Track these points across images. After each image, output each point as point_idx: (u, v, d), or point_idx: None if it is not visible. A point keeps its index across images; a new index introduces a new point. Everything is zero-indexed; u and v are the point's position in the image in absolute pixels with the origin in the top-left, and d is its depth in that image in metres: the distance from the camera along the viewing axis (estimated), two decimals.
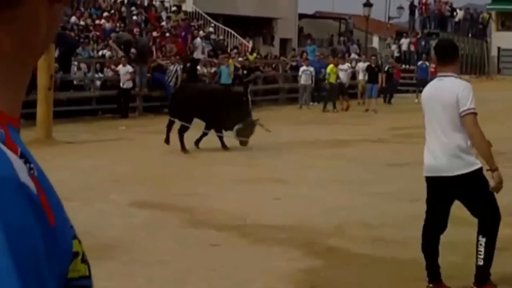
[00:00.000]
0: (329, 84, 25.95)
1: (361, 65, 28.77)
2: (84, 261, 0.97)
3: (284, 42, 37.08)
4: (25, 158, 0.87)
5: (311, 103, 26.89)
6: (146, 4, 30.04)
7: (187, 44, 26.30)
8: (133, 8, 28.08)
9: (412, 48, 40.04)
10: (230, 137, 14.75)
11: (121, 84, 21.35)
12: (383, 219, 8.52)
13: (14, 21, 0.91)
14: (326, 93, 26.24)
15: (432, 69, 32.67)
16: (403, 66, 36.48)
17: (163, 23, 28.05)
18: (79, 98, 20.70)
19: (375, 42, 45.22)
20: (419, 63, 32.14)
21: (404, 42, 40.57)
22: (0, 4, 0.89)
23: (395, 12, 47.15)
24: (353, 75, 29.18)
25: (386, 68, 29.20)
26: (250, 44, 30.97)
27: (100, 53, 23.00)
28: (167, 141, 14.35)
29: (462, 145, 5.66)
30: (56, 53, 18.58)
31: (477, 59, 47.42)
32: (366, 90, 26.84)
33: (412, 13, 45.88)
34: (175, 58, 23.75)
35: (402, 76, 33.19)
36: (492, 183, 5.61)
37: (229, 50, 28.74)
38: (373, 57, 29.51)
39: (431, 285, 5.88)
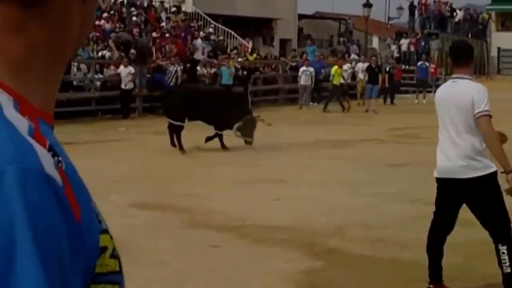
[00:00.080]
0: (332, 85, 25.97)
1: (361, 66, 28.78)
2: (114, 256, 0.97)
3: (284, 43, 37.09)
4: (54, 151, 0.88)
5: (311, 104, 26.91)
6: (145, 4, 30.03)
7: (187, 44, 26.31)
8: (132, 8, 28.08)
9: (412, 48, 40.06)
10: (230, 135, 14.76)
11: (122, 85, 21.38)
12: (383, 219, 8.52)
13: (46, 16, 0.92)
14: (329, 94, 26.24)
15: (432, 70, 32.77)
16: (403, 66, 36.48)
17: (163, 24, 28.04)
18: (78, 99, 20.71)
19: (375, 42, 45.22)
20: (419, 63, 32.15)
21: (404, 42, 40.58)
22: None
23: (395, 13, 47.16)
24: (353, 76, 29.22)
25: (387, 69, 29.22)
26: (250, 45, 30.97)
27: (99, 53, 23.00)
28: (173, 143, 14.44)
29: (478, 147, 5.63)
30: None
31: (477, 59, 47.33)
32: (366, 91, 26.85)
33: (411, 13, 45.88)
34: (175, 58, 23.75)
35: (402, 77, 33.22)
36: (506, 185, 5.58)
37: (228, 50, 28.74)
38: (373, 58, 29.52)
39: (431, 286, 5.88)
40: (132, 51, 22.85)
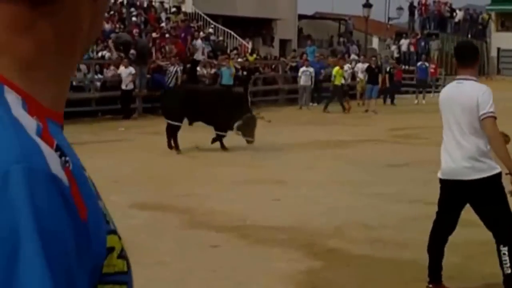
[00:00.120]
0: (333, 86, 25.97)
1: (360, 66, 28.77)
2: (122, 256, 0.97)
3: (283, 43, 37.09)
4: (61, 151, 0.88)
5: (311, 104, 26.91)
6: (145, 5, 30.04)
7: (187, 45, 26.32)
8: (132, 9, 28.08)
9: (412, 48, 40.05)
10: (230, 135, 14.77)
11: (123, 86, 21.41)
12: (382, 220, 8.53)
13: (56, 14, 0.92)
14: (330, 94, 26.24)
15: (432, 70, 32.77)
16: (403, 66, 36.49)
17: (163, 24, 28.04)
18: (78, 100, 20.69)
19: (375, 43, 45.22)
20: (419, 63, 32.15)
21: (404, 42, 40.57)
22: None
23: (395, 13, 47.16)
24: (353, 76, 29.22)
25: (388, 69, 29.24)
26: (250, 45, 30.97)
27: (99, 54, 23.01)
28: (170, 146, 14.52)
29: (482, 148, 5.63)
30: None
31: None
32: (366, 91, 26.85)
33: (411, 13, 45.87)
34: (175, 59, 23.75)
35: (402, 77, 33.25)
36: (510, 186, 5.58)
37: (228, 51, 28.74)
38: (373, 58, 29.52)
39: (431, 286, 5.89)
40: (132, 51, 22.85)
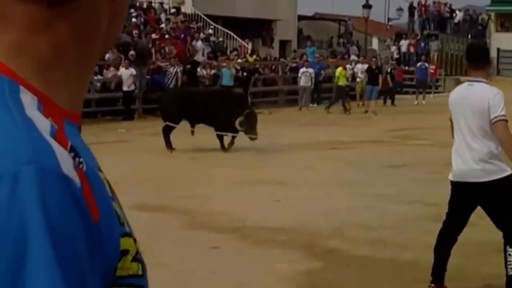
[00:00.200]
0: (337, 87, 25.97)
1: (360, 67, 28.77)
2: (137, 259, 0.96)
3: (283, 44, 37.08)
4: (75, 152, 0.87)
5: (311, 105, 26.91)
6: (145, 6, 30.05)
7: (187, 46, 26.32)
8: (132, 10, 28.06)
9: (412, 49, 40.04)
10: (229, 136, 14.80)
11: (126, 87, 21.44)
12: (382, 221, 8.53)
13: (74, 14, 0.92)
14: (334, 95, 26.23)
15: (432, 71, 32.78)
16: (403, 67, 36.50)
17: (162, 25, 28.06)
18: None
19: (375, 43, 45.22)
20: (419, 64, 32.15)
21: (404, 43, 40.55)
22: None
23: (395, 14, 47.15)
24: (353, 77, 29.22)
25: (389, 70, 29.28)
26: (250, 46, 30.97)
27: None
28: (168, 147, 14.61)
29: (493, 151, 5.62)
30: None
31: None
32: (366, 92, 26.85)
33: (411, 14, 45.86)
34: (175, 60, 23.76)
35: (403, 78, 33.32)
36: None
37: (228, 52, 28.74)
38: (374, 59, 29.53)
39: (433, 285, 5.88)
40: (131, 52, 22.86)
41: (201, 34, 28.44)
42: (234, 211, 9.11)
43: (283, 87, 29.27)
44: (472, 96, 5.67)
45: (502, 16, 51.43)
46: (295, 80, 28.13)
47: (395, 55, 39.41)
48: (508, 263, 5.63)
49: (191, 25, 29.22)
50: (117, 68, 22.06)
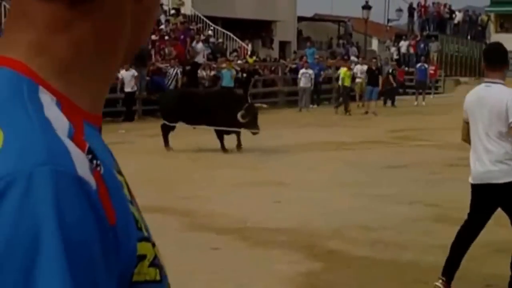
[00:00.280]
0: (343, 87, 26.00)
1: (359, 68, 28.80)
2: (154, 265, 0.93)
3: (283, 45, 37.09)
4: (93, 154, 0.86)
5: (311, 106, 26.92)
6: None
7: (186, 47, 26.33)
8: None
9: (411, 50, 40.06)
10: (229, 137, 14.81)
11: (129, 88, 21.48)
12: (382, 221, 8.53)
13: (95, 13, 0.90)
14: (341, 96, 26.22)
15: (432, 71, 32.80)
16: (403, 68, 36.54)
17: (162, 26, 28.04)
18: None
19: (374, 44, 45.25)
20: (418, 65, 32.19)
21: (403, 44, 40.58)
22: None
23: (394, 15, 47.15)
24: (353, 78, 29.24)
25: (390, 70, 29.32)
26: (249, 47, 30.98)
27: None
28: (167, 146, 14.68)
29: (510, 152, 5.60)
30: None
31: (476, 61, 47.39)
32: (366, 93, 26.87)
33: (411, 15, 45.89)
34: (174, 61, 23.76)
35: (404, 78, 33.37)
36: None
37: (228, 53, 28.74)
38: (374, 60, 29.55)
39: (443, 278, 5.82)
40: None
41: (201, 36, 28.44)
42: (234, 212, 9.10)
43: (283, 88, 29.27)
44: (490, 97, 5.63)
45: (501, 16, 51.47)
46: (295, 81, 28.14)
47: (395, 56, 39.43)
48: None
49: (191, 26, 29.23)
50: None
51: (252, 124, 14.65)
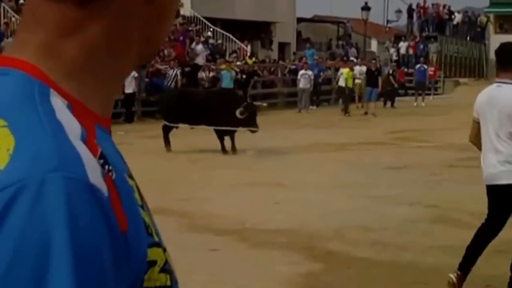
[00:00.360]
0: (347, 88, 26.01)
1: (358, 69, 28.81)
2: (165, 270, 0.92)
3: (282, 46, 37.10)
4: (105, 159, 0.85)
5: (310, 107, 26.92)
6: None
7: (185, 48, 26.32)
8: None
9: (411, 51, 40.08)
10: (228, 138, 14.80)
11: (130, 89, 21.50)
12: (382, 222, 8.51)
13: (104, 13, 0.88)
14: (345, 97, 26.22)
15: (431, 72, 32.82)
16: (403, 69, 36.57)
17: None
18: None
19: (374, 45, 45.27)
20: (417, 66, 32.21)
21: (403, 45, 40.60)
22: None
23: (393, 16, 47.23)
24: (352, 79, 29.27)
25: (390, 71, 29.35)
26: (249, 48, 30.98)
27: None
28: (168, 147, 14.73)
29: None
30: None
31: (475, 62, 47.47)
32: (365, 94, 26.89)
33: (410, 16, 45.90)
34: (174, 62, 23.76)
35: (404, 79, 33.39)
36: None
37: (227, 54, 28.74)
38: (373, 61, 29.56)
39: (459, 272, 5.77)
40: None
41: (201, 37, 28.43)
42: (233, 213, 9.08)
43: (282, 89, 29.28)
44: (501, 97, 5.60)
45: (501, 17, 51.45)
46: (294, 82, 28.14)
47: (394, 57, 39.46)
48: None
49: (190, 28, 29.23)
50: None
51: (251, 122, 14.62)
